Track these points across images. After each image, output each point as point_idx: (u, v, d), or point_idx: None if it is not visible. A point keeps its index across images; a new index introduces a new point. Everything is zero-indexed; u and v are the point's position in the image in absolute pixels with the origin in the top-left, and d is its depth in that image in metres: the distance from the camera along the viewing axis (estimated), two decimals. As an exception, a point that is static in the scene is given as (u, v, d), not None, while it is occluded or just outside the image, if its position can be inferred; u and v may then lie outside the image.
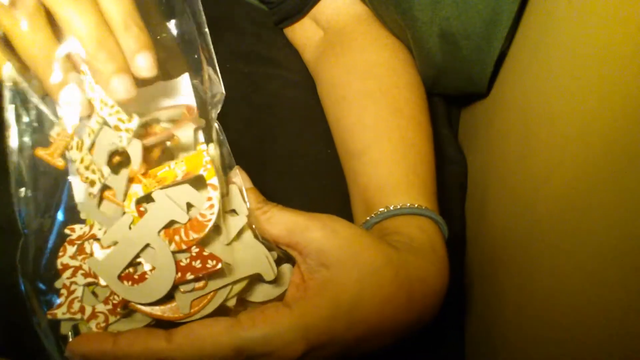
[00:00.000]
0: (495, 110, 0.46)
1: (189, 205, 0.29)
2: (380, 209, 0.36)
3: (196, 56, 0.33)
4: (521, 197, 0.38)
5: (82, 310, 0.29)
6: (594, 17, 0.31)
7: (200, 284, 0.29)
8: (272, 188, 0.41)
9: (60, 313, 0.29)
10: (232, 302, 0.30)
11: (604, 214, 0.27)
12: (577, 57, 0.32)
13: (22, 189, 0.30)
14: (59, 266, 0.30)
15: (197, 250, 0.29)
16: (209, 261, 0.28)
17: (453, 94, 0.50)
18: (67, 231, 0.30)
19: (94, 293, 0.30)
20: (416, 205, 0.36)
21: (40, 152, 0.30)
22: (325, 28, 0.47)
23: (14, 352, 0.35)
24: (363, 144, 0.40)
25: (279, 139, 0.44)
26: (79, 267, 0.29)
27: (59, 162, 0.30)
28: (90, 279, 0.30)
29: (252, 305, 0.32)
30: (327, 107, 0.45)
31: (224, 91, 0.32)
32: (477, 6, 0.40)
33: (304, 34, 0.49)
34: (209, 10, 0.48)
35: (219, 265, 0.28)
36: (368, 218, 0.37)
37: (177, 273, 0.28)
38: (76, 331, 0.30)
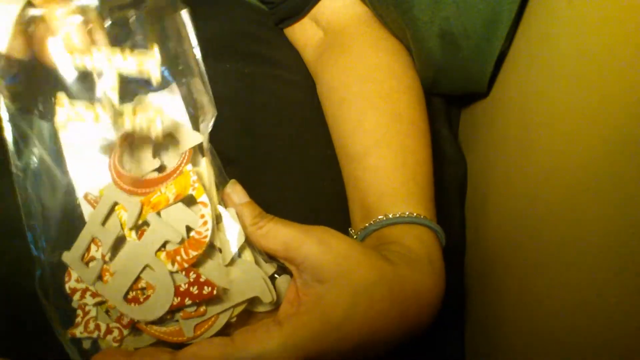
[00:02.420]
0: (495, 110, 0.46)
1: (189, 229, 0.31)
2: (380, 217, 0.36)
3: (185, 74, 0.34)
4: (521, 197, 0.38)
5: (97, 327, 0.31)
6: (594, 17, 0.31)
7: (201, 309, 0.30)
8: (271, 189, 0.41)
9: (78, 332, 0.31)
10: (233, 318, 0.32)
11: (604, 214, 0.28)
12: (577, 57, 0.32)
13: (33, 219, 0.32)
14: (68, 290, 0.31)
15: (194, 276, 0.30)
16: (205, 287, 0.30)
17: (453, 93, 0.50)
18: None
19: (107, 312, 0.32)
20: (415, 214, 0.36)
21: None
22: (325, 28, 0.47)
23: (13, 351, 0.35)
24: (363, 149, 0.40)
25: (279, 139, 0.44)
26: (86, 289, 0.31)
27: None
28: (99, 298, 0.31)
29: (253, 315, 0.33)
30: (326, 109, 0.45)
31: (215, 110, 0.33)
32: (477, 6, 0.39)
33: (304, 34, 0.49)
34: (209, 10, 0.48)
35: (214, 292, 0.30)
36: (367, 225, 0.37)
37: (177, 298, 0.30)
38: (96, 345, 0.32)
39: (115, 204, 0.31)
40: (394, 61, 0.44)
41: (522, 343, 0.36)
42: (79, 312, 0.31)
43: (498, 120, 0.45)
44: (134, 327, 0.31)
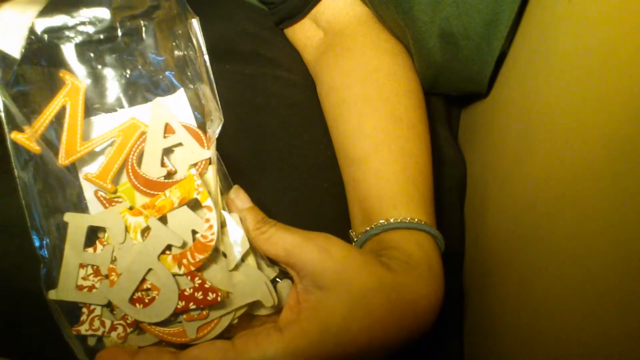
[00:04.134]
0: (495, 110, 0.46)
1: (194, 232, 0.32)
2: (380, 221, 0.37)
3: (193, 83, 0.34)
4: (521, 197, 0.38)
5: (102, 324, 0.32)
6: (594, 17, 0.31)
7: (204, 312, 0.31)
8: (271, 190, 0.41)
9: (83, 330, 0.32)
10: (235, 320, 0.32)
11: (605, 215, 0.28)
12: (577, 57, 0.32)
13: (37, 218, 0.32)
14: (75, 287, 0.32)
15: (199, 282, 0.31)
16: (210, 294, 0.30)
17: (453, 94, 0.50)
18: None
19: (112, 311, 0.32)
20: (415, 220, 0.36)
21: (18, 137, 0.31)
22: (325, 29, 0.47)
23: (13, 351, 0.35)
24: (363, 152, 0.40)
25: (280, 140, 0.44)
26: (92, 287, 0.32)
27: (36, 147, 0.31)
28: None
29: (255, 318, 0.34)
30: (326, 110, 0.45)
31: (222, 117, 0.34)
32: (477, 6, 0.39)
33: (304, 34, 0.49)
34: (209, 11, 0.48)
35: (219, 299, 0.30)
36: (368, 229, 0.37)
37: (181, 302, 0.30)
38: (101, 343, 0.33)
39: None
40: (395, 63, 0.44)
41: (522, 346, 0.36)
42: (84, 310, 0.32)
43: (498, 120, 0.45)
44: (138, 326, 0.32)
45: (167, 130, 0.34)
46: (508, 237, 0.39)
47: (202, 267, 0.31)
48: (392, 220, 0.36)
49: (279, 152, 0.44)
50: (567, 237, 0.31)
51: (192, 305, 0.30)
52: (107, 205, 0.33)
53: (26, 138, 0.31)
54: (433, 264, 0.35)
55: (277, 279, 0.34)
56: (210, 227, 0.31)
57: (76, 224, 0.32)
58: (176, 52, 0.35)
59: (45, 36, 0.31)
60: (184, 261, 0.31)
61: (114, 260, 0.32)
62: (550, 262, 0.33)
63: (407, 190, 0.37)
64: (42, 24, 0.31)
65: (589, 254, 0.29)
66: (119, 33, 0.34)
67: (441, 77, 0.46)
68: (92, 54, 0.33)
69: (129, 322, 0.31)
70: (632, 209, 0.25)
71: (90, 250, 0.32)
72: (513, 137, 0.41)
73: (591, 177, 0.29)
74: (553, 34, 0.36)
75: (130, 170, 0.33)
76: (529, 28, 0.41)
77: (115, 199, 0.33)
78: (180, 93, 0.35)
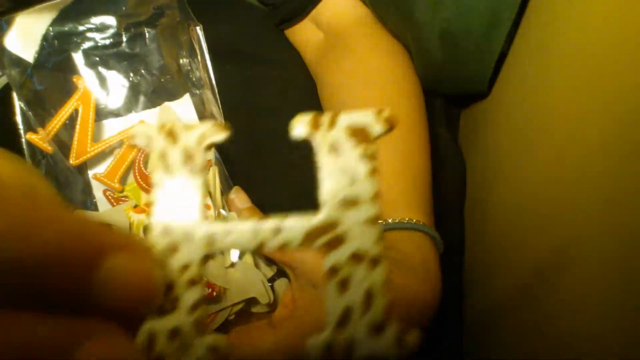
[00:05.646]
0: (495, 110, 0.46)
1: None
2: (379, 221, 0.37)
3: (198, 89, 0.35)
4: (521, 197, 0.38)
5: None
6: (594, 17, 0.31)
7: None
8: (271, 190, 0.41)
9: None
10: (232, 316, 0.33)
11: (604, 215, 0.28)
12: (577, 57, 0.32)
13: None
14: None
15: None
16: (205, 289, 0.31)
17: (453, 94, 0.50)
18: None
19: None
20: (414, 221, 0.36)
21: (32, 137, 0.32)
22: (325, 30, 0.47)
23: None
24: None
25: (280, 140, 0.44)
26: None
27: (48, 147, 0.33)
28: None
29: (252, 315, 0.34)
30: (327, 111, 0.45)
31: (223, 120, 0.35)
32: (477, 7, 0.39)
33: (304, 35, 0.49)
34: (210, 11, 0.49)
35: (214, 294, 0.31)
36: None
37: None
38: None
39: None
40: (395, 64, 0.44)
41: (522, 346, 0.36)
42: None
43: (498, 120, 0.45)
44: None
45: None
46: (508, 237, 0.39)
47: None
48: (390, 221, 0.36)
49: (278, 153, 0.44)
50: (567, 237, 0.31)
51: None
52: (114, 203, 0.33)
53: (40, 138, 0.32)
54: (430, 265, 0.35)
55: (275, 278, 0.34)
56: None
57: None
58: (181, 58, 0.36)
59: (56, 42, 0.32)
60: None
61: None
62: (550, 262, 0.33)
63: (407, 192, 0.38)
64: (55, 31, 0.32)
65: (589, 253, 0.29)
66: (124, 39, 0.35)
67: (441, 77, 0.46)
68: (100, 60, 0.34)
69: None
70: (632, 209, 0.25)
71: None
72: (513, 137, 0.41)
73: (591, 177, 0.29)
74: (553, 34, 0.36)
75: (137, 171, 0.34)
76: (529, 28, 0.41)
77: (122, 198, 0.34)
78: (186, 98, 0.36)
